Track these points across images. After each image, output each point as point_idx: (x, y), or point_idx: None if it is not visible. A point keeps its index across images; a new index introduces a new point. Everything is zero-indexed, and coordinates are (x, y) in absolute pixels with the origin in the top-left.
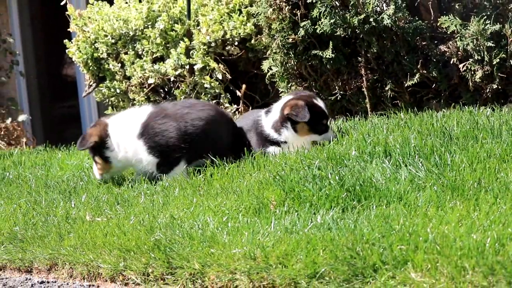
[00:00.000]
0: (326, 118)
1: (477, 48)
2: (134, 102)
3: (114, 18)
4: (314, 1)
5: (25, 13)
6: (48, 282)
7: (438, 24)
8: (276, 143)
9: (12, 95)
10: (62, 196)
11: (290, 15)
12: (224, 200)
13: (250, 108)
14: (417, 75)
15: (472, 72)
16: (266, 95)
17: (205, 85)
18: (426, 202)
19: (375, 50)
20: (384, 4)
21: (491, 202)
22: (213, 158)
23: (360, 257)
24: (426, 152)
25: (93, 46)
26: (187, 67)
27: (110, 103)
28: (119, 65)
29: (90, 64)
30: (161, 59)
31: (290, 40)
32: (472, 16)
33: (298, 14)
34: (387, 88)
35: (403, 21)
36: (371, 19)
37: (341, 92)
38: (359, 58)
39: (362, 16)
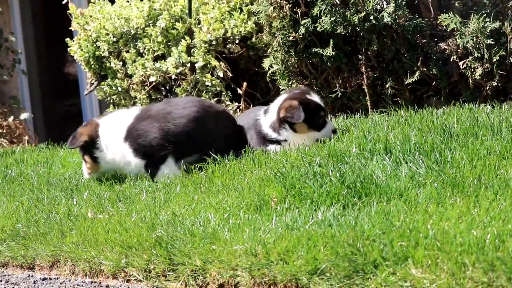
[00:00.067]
0: (323, 110)
1: (477, 46)
2: (136, 100)
3: (116, 16)
4: None
5: (27, 12)
6: (50, 278)
7: (438, 22)
8: (276, 142)
9: (14, 94)
10: (64, 194)
11: (290, 13)
12: (225, 197)
13: (251, 106)
14: (417, 73)
15: (472, 70)
16: (267, 93)
17: (206, 83)
18: (427, 199)
19: (375, 48)
20: (384, 2)
21: (491, 198)
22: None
23: (360, 253)
24: (426, 149)
25: (94, 45)
26: (188, 65)
27: (111, 101)
28: (121, 63)
29: (92, 63)
30: (163, 57)
31: (291, 38)
32: (472, 14)
33: (299, 12)
34: (387, 86)
35: (403, 19)
36: (372, 17)
37: (342, 90)
38: (360, 56)
39: (363, 14)
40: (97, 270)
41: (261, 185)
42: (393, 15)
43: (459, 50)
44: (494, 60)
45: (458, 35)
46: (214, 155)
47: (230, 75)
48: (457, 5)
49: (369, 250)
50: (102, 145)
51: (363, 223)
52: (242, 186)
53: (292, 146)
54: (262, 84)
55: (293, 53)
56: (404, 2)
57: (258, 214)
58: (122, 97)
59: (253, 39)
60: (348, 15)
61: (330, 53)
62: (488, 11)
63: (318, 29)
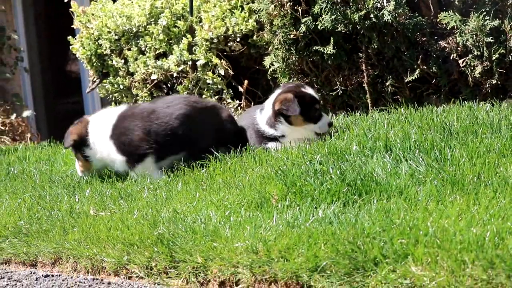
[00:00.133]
0: (318, 103)
1: (477, 44)
2: (137, 97)
3: (118, 14)
4: None
5: (30, 10)
6: (52, 275)
7: (438, 20)
8: (274, 139)
9: (16, 91)
10: (66, 191)
11: (291, 11)
12: (226, 194)
13: (252, 103)
14: (417, 71)
15: (472, 68)
16: (268, 91)
17: (208, 81)
18: (426, 197)
19: (375, 46)
20: (385, 1)
21: (490, 196)
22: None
23: (361, 250)
24: (426, 147)
25: (96, 43)
26: (190, 63)
27: (113, 99)
28: (123, 61)
29: (94, 60)
30: (164, 55)
31: (292, 36)
32: (472, 12)
33: (300, 10)
34: (387, 84)
35: (403, 17)
36: (372, 15)
37: (342, 88)
38: (360, 54)
39: (363, 12)
40: (99, 267)
41: (262, 183)
42: (393, 13)
43: (459, 48)
44: (494, 58)
45: (458, 33)
46: (201, 153)
47: (231, 73)
48: (457, 3)
49: (369, 247)
50: (91, 143)
51: (363, 220)
52: (243, 183)
53: (289, 141)
54: (263, 82)
55: (294, 51)
56: (404, 0)
57: (259, 211)
58: (124, 95)
59: (254, 37)
60: (349, 13)
61: (330, 51)
62: (488, 9)
63: (318, 27)
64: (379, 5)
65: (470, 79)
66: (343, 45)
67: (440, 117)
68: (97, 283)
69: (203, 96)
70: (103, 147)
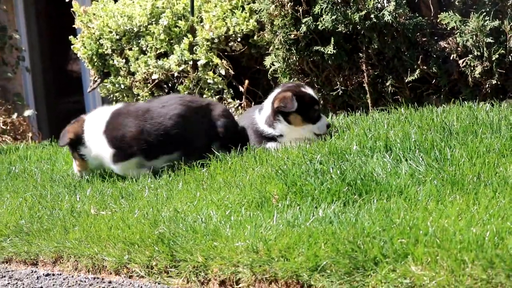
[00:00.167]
0: (317, 104)
1: (477, 44)
2: (139, 97)
3: (119, 14)
4: None
5: (31, 10)
6: (53, 274)
7: (438, 20)
8: (273, 139)
9: (18, 91)
10: (67, 190)
11: (292, 11)
12: (227, 194)
13: (253, 103)
14: (418, 71)
15: (472, 68)
16: (269, 91)
17: (208, 81)
18: (426, 196)
19: (376, 46)
20: (385, 1)
21: (490, 196)
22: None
23: (361, 250)
24: (426, 147)
25: (98, 42)
26: (191, 63)
27: (114, 98)
28: (124, 61)
29: (95, 60)
30: (165, 55)
31: (292, 36)
32: (472, 13)
33: (300, 10)
34: (387, 84)
35: (403, 18)
36: (372, 16)
37: (343, 88)
38: (360, 54)
39: (363, 13)
40: (100, 266)
41: (263, 182)
42: (394, 13)
43: (459, 49)
44: (494, 58)
45: (458, 33)
46: (196, 152)
47: (232, 73)
48: (457, 3)
49: (369, 247)
50: (86, 141)
51: (363, 220)
52: (244, 183)
53: (287, 141)
54: (264, 82)
55: (295, 51)
56: (404, 1)
57: (260, 211)
58: (125, 95)
59: (255, 37)
60: (349, 14)
61: (331, 51)
62: (488, 9)
63: (319, 27)
64: (379, 5)
65: (470, 79)
66: (343, 45)
67: (440, 117)
68: (98, 282)
69: (204, 96)
70: (96, 143)
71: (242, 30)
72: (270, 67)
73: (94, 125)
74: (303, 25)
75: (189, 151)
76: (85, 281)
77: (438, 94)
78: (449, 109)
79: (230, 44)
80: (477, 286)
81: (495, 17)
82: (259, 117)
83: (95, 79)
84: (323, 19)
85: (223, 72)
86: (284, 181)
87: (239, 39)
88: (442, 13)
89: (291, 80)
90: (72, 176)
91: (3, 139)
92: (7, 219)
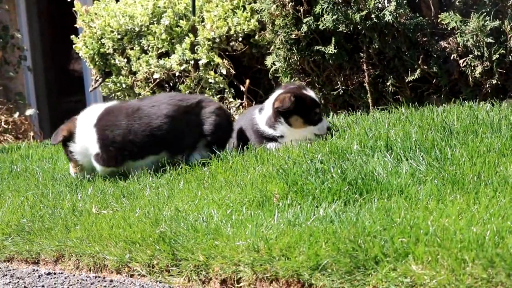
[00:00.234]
0: (318, 106)
1: (477, 44)
2: (140, 96)
3: (120, 14)
4: None
5: (33, 9)
6: (55, 273)
7: (439, 20)
8: (273, 139)
9: (20, 90)
10: (69, 189)
11: (293, 11)
12: (228, 193)
13: (254, 103)
14: (418, 71)
15: (472, 68)
16: (270, 90)
17: (210, 80)
18: (427, 196)
19: (376, 46)
20: (386, 1)
21: (490, 195)
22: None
23: (362, 249)
24: (427, 146)
25: (99, 42)
26: (192, 62)
27: (116, 97)
28: (125, 60)
29: (97, 59)
30: (167, 54)
31: (293, 36)
32: (472, 13)
33: (301, 10)
34: (388, 83)
35: (404, 18)
36: (373, 16)
37: (343, 87)
38: (361, 54)
39: (364, 13)
40: (101, 265)
41: (264, 182)
42: (394, 13)
43: (459, 48)
44: (494, 58)
45: (459, 33)
46: (183, 151)
47: (233, 72)
48: (457, 3)
49: (370, 246)
50: (77, 137)
51: (364, 219)
52: (245, 182)
53: (288, 141)
54: (265, 81)
55: (296, 50)
56: (405, 1)
57: (261, 210)
58: (126, 94)
59: (256, 37)
60: (350, 14)
61: (332, 51)
62: (488, 10)
63: (320, 27)
64: (380, 5)
65: (471, 79)
66: (344, 45)
67: (440, 117)
68: (99, 281)
69: (205, 95)
70: (85, 137)
71: (243, 29)
72: (271, 66)
73: (86, 120)
74: (304, 25)
75: (176, 150)
76: (86, 280)
77: (438, 93)
78: (450, 108)
79: (231, 43)
80: (478, 285)
81: (495, 17)
82: (259, 117)
83: (97, 78)
84: (324, 19)
85: (224, 71)
86: (285, 180)
87: (240, 39)
88: (442, 13)
89: (292, 80)
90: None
91: (5, 138)
92: (9, 218)
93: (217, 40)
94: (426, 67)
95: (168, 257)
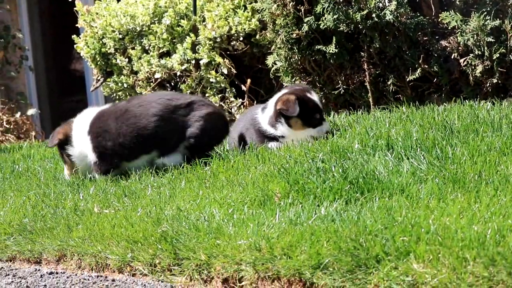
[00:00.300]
0: (320, 111)
1: (478, 43)
2: None
3: (122, 13)
4: None
5: (34, 9)
6: (57, 273)
7: (439, 19)
8: (275, 139)
9: (21, 90)
10: (71, 189)
11: (294, 11)
12: (229, 192)
13: (255, 102)
14: (419, 70)
15: (473, 67)
16: (271, 90)
17: (211, 80)
18: (428, 194)
19: (377, 45)
20: (386, 0)
21: (491, 194)
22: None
23: (363, 248)
24: (427, 145)
25: (100, 41)
26: (193, 62)
27: (117, 97)
28: (126, 60)
29: (98, 59)
30: (168, 54)
31: (294, 35)
32: (473, 12)
33: (302, 10)
34: (389, 83)
35: (405, 17)
36: (374, 15)
37: (344, 87)
38: (362, 53)
39: (365, 12)
40: (103, 264)
41: (265, 181)
42: (395, 13)
43: (460, 48)
44: (495, 57)
45: (459, 32)
46: (172, 151)
47: (234, 72)
48: (458, 3)
49: (371, 245)
50: (74, 141)
51: (365, 218)
52: (246, 181)
53: (289, 141)
54: (266, 80)
55: (297, 50)
56: (405, 0)
57: (262, 209)
58: (128, 94)
59: (257, 36)
60: (351, 13)
61: (333, 50)
62: (489, 9)
63: (321, 26)
64: (381, 4)
65: (471, 78)
66: (345, 45)
67: (441, 116)
68: (101, 280)
69: (206, 94)
70: (82, 143)
71: (244, 29)
72: (272, 66)
73: (81, 124)
74: (305, 24)
75: (167, 149)
76: (88, 279)
77: (439, 93)
78: (450, 107)
79: (232, 43)
80: (479, 283)
81: (495, 16)
82: (262, 116)
83: (98, 78)
84: (325, 18)
85: (225, 71)
86: (287, 180)
87: (241, 38)
88: (443, 12)
89: (293, 79)
90: (75, 175)
91: (7, 138)
92: (11, 218)
93: (218, 39)
94: (426, 66)
95: (170, 256)
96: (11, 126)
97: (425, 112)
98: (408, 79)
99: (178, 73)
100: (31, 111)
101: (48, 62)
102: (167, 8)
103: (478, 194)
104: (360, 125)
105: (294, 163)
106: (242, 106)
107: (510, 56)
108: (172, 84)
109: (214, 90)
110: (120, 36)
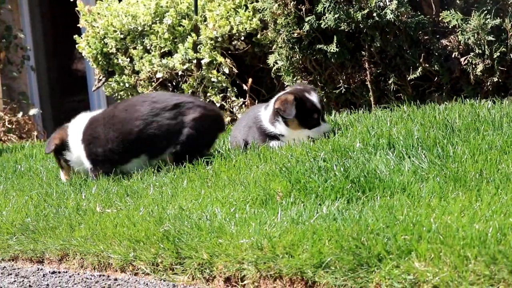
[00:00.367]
0: (318, 112)
1: (478, 42)
2: None
3: (123, 13)
4: None
5: (36, 9)
6: (59, 272)
7: (440, 18)
8: (276, 137)
9: (23, 90)
10: (73, 188)
11: (295, 10)
12: (231, 191)
13: (256, 101)
14: (420, 69)
15: (473, 66)
16: (272, 89)
17: (212, 79)
18: (429, 193)
19: (378, 45)
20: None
21: (492, 192)
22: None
23: (365, 247)
24: (429, 144)
25: (102, 41)
26: (195, 61)
27: (119, 97)
28: (128, 59)
29: (100, 59)
30: (169, 53)
31: (295, 34)
32: (473, 11)
33: (303, 9)
34: (390, 82)
35: (405, 16)
36: (375, 14)
37: (345, 86)
38: (363, 52)
39: (366, 11)
40: (106, 263)
41: (267, 180)
42: (396, 12)
43: (460, 47)
44: (495, 56)
45: (460, 31)
46: (160, 155)
47: (236, 71)
48: (458, 2)
49: (373, 243)
50: (71, 146)
51: (367, 217)
52: (248, 180)
53: (290, 140)
54: (267, 80)
55: (298, 49)
56: None
57: (264, 208)
58: (129, 93)
59: (258, 36)
60: (352, 12)
61: (334, 49)
62: (489, 8)
63: (322, 26)
64: (381, 4)
65: (472, 77)
66: (346, 44)
67: (442, 115)
68: (103, 280)
69: (208, 94)
70: (79, 151)
71: (246, 29)
72: (274, 65)
73: (76, 132)
74: (306, 23)
75: (154, 153)
76: (91, 279)
77: (440, 91)
78: (451, 106)
79: (233, 42)
80: (480, 282)
81: (496, 15)
82: (264, 114)
83: (100, 78)
84: (326, 17)
85: (226, 70)
86: (288, 179)
87: (242, 38)
88: (443, 11)
89: (294, 79)
90: (77, 174)
91: (9, 138)
92: (13, 217)
93: (220, 39)
94: (427, 65)
95: (172, 255)
96: (13, 126)
97: (426, 111)
98: (409, 78)
99: (180, 73)
100: (33, 111)
101: (50, 62)
102: (169, 8)
103: (479, 192)
104: (361, 124)
105: (296, 162)
106: (243, 105)
107: (511, 55)
108: (174, 83)
109: (216, 89)
110: (122, 36)
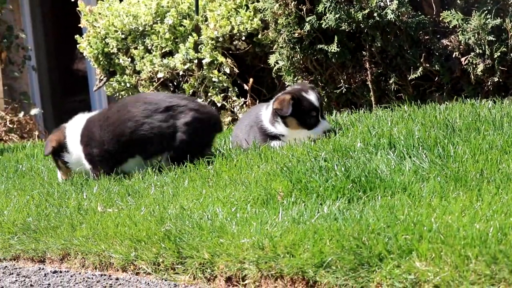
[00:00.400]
0: (316, 111)
1: (479, 42)
2: None
3: (124, 13)
4: None
5: (37, 9)
6: (60, 271)
7: (441, 18)
8: (277, 137)
9: (24, 90)
10: (74, 188)
11: (296, 10)
12: (232, 191)
13: (257, 101)
14: (420, 69)
15: (474, 66)
16: (273, 89)
17: (213, 79)
18: (430, 193)
19: (379, 44)
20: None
21: (493, 192)
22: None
23: (366, 246)
24: (429, 144)
25: (103, 41)
26: (196, 61)
27: (120, 97)
28: (129, 59)
29: (101, 59)
30: (170, 53)
31: (296, 34)
32: (474, 11)
33: (304, 9)
34: (391, 82)
35: (406, 16)
36: (375, 14)
37: (346, 86)
38: (364, 52)
39: (366, 11)
40: (107, 263)
41: (268, 180)
42: (397, 12)
43: (461, 47)
44: (495, 56)
45: (460, 31)
46: (154, 156)
47: (237, 71)
48: (459, 2)
49: (374, 243)
50: (69, 148)
51: (368, 216)
52: (249, 180)
53: (291, 140)
54: (268, 80)
55: (298, 49)
56: None
57: (265, 208)
58: (130, 93)
59: (259, 36)
60: (352, 12)
61: (334, 49)
62: (489, 8)
63: (323, 26)
64: (382, 4)
65: (472, 77)
66: (347, 44)
67: (443, 115)
68: (105, 279)
69: (209, 94)
70: (78, 152)
71: (247, 28)
72: (274, 65)
73: (74, 133)
74: (307, 23)
75: (148, 154)
76: (92, 278)
77: (440, 91)
78: (452, 106)
79: (234, 42)
80: (481, 281)
81: (496, 15)
82: (265, 113)
83: (101, 78)
84: (327, 17)
85: (227, 70)
86: (289, 178)
87: (243, 38)
88: (444, 11)
89: (295, 79)
90: (79, 174)
91: (10, 137)
92: (15, 217)
93: (221, 39)
94: (428, 65)
95: (173, 255)
96: (15, 126)
97: (427, 110)
98: (409, 78)
99: (181, 73)
100: (34, 111)
101: (51, 62)
102: (170, 8)
103: (480, 192)
104: (362, 124)
105: (297, 162)
106: (244, 105)
107: (511, 54)
108: (175, 83)
109: (217, 89)
110: (123, 36)
